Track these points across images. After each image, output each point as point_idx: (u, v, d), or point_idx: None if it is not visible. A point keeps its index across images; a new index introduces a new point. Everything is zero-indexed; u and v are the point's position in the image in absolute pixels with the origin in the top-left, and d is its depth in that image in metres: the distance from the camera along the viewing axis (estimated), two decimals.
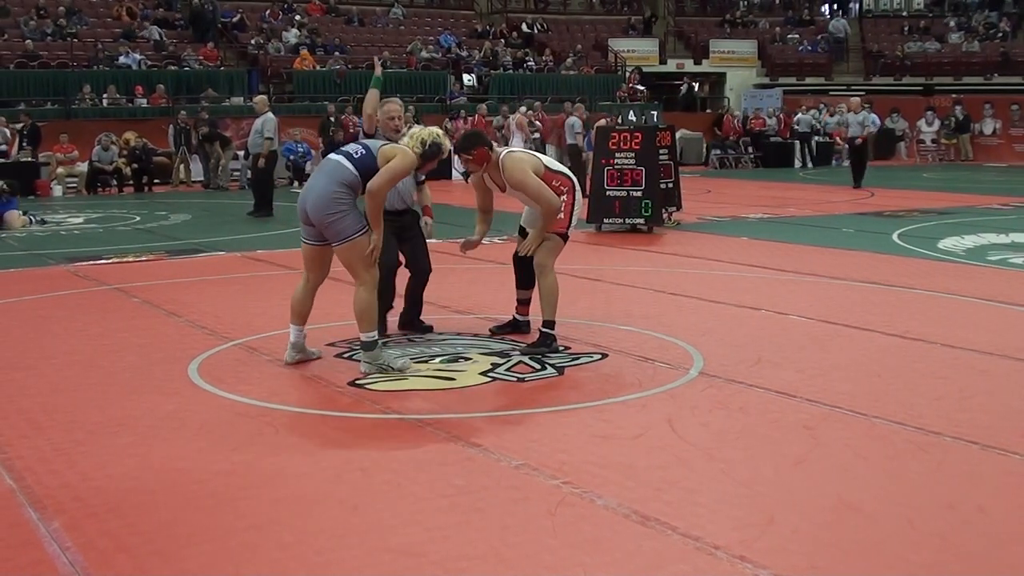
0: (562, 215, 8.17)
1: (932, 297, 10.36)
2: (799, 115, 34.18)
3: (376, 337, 7.44)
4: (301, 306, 7.71)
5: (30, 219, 18.37)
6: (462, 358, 7.93)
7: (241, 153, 25.10)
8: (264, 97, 20.64)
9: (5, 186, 17.99)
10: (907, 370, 7.52)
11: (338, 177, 7.34)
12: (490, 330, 8.75)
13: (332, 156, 7.57)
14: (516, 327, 8.68)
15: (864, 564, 4.36)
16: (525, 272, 8.52)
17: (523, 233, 8.49)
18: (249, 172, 21.28)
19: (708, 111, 39.85)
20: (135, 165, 25.49)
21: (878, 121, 34.02)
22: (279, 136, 20.31)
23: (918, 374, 7.41)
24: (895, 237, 15.05)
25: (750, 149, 33.51)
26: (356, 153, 7.45)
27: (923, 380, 7.25)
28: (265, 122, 18.73)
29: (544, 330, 8.17)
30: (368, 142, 7.67)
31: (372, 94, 8.65)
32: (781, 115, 34.45)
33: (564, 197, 8.18)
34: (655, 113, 19.79)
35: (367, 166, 7.36)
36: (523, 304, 8.70)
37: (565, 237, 8.26)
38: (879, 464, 5.56)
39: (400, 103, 8.89)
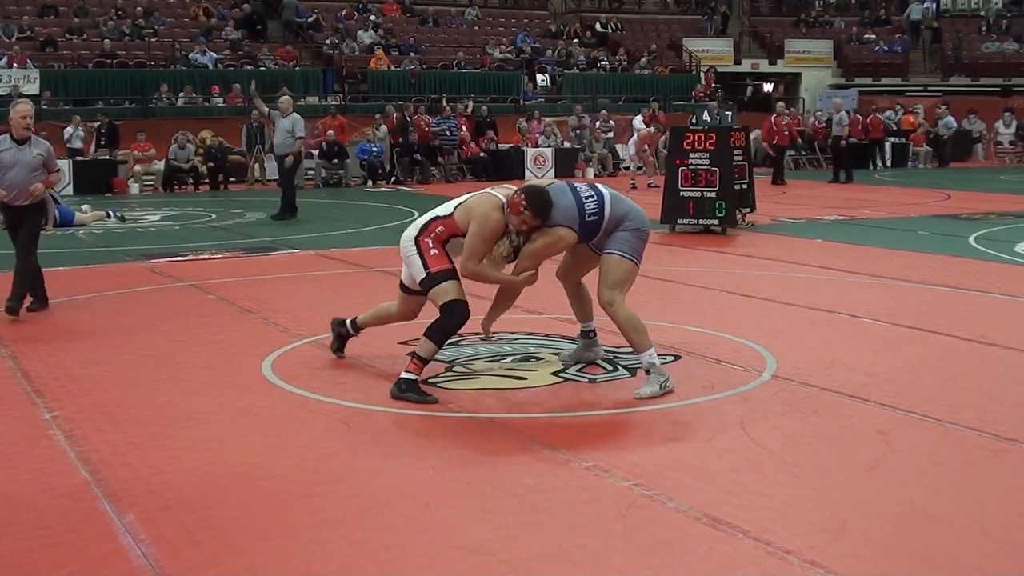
0: None
1: (1009, 301, 10.20)
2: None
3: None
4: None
5: (108, 213, 18.62)
6: (533, 358, 7.93)
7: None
8: (289, 98, 19.82)
9: None
10: (983, 375, 7.41)
11: None
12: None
13: None
14: None
15: (937, 572, 4.31)
16: None
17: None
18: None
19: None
20: (211, 164, 25.74)
21: (953, 123, 33.57)
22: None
23: (994, 379, 7.30)
24: (971, 240, 14.84)
25: (827, 151, 33.05)
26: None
27: (999, 386, 7.14)
28: (295, 122, 18.16)
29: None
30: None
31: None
32: (859, 116, 34.03)
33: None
34: (729, 114, 19.66)
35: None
36: None
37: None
38: (953, 470, 5.50)
39: (31, 104, 10.18)
